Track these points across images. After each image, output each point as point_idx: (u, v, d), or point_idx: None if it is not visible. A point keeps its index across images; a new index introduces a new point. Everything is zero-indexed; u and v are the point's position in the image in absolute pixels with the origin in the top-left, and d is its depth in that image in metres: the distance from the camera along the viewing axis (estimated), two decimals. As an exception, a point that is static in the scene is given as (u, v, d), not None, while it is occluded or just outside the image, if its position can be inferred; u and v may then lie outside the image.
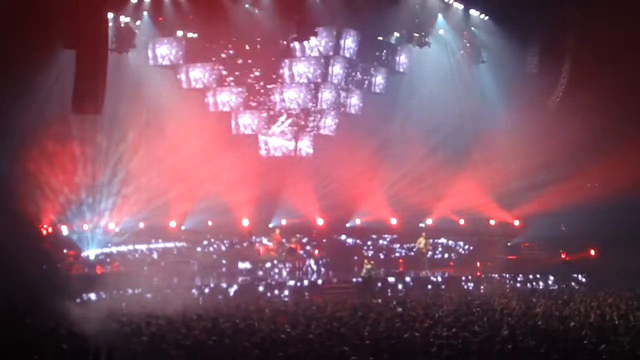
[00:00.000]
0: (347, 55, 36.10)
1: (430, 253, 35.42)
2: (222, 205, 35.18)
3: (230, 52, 36.08)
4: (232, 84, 36.75)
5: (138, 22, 34.50)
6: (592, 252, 34.67)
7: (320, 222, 37.22)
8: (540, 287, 31.99)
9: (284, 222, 37.05)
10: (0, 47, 28.88)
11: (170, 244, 36.16)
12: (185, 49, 35.99)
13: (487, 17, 36.83)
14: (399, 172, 35.98)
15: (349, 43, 35.90)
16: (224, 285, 30.41)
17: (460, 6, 36.46)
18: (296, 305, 23.99)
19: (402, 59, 37.88)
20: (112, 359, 15.29)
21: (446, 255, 38.26)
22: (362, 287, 30.77)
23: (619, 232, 32.43)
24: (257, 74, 36.40)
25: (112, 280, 28.81)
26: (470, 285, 31.84)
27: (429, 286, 31.36)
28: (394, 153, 37.05)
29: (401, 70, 38.11)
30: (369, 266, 31.39)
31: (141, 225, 35.96)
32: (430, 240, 35.18)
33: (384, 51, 37.56)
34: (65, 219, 33.28)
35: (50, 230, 32.97)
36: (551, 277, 32.92)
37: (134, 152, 34.00)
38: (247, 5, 34.08)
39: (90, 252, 33.05)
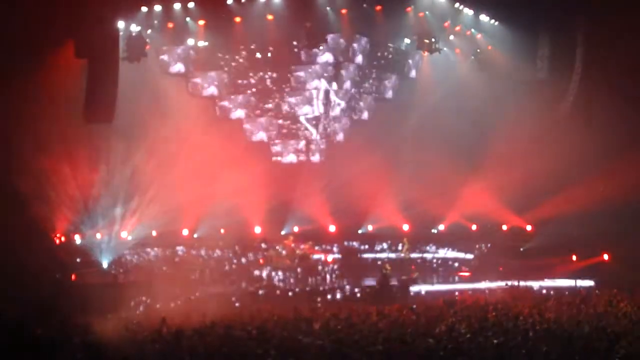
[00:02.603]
0: (358, 61, 36.16)
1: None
2: (234, 213, 35.20)
3: (241, 59, 36.12)
4: (243, 91, 36.81)
5: (149, 31, 34.57)
6: (606, 256, 34.55)
7: (332, 228, 37.21)
8: (553, 292, 31.93)
9: (296, 229, 37.05)
10: (12, 57, 29.08)
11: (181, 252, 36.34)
12: (196, 57, 36.06)
13: (497, 23, 36.76)
14: (410, 178, 35.90)
15: (359, 50, 35.96)
16: (238, 293, 30.50)
17: (471, 12, 36.40)
18: (310, 312, 23.99)
19: (412, 65, 37.91)
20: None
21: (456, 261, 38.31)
22: (377, 293, 30.82)
23: (631, 236, 32.34)
24: (268, 81, 36.45)
25: (126, 289, 28.89)
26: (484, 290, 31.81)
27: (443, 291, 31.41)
28: (405, 159, 36.99)
29: (411, 76, 38.13)
30: (385, 271, 31.56)
31: (154, 233, 36.04)
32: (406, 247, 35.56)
33: (394, 57, 37.58)
34: (79, 227, 33.36)
35: (63, 239, 33.05)
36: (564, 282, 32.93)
37: (145, 160, 34.02)
38: (257, 13, 34.08)
39: (104, 261, 33.13)
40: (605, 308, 22.96)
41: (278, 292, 31.61)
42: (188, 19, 34.41)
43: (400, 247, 35.99)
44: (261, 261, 35.40)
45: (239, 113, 37.25)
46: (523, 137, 35.62)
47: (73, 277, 30.89)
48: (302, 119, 36.92)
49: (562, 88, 36.18)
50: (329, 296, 31.20)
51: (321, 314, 23.53)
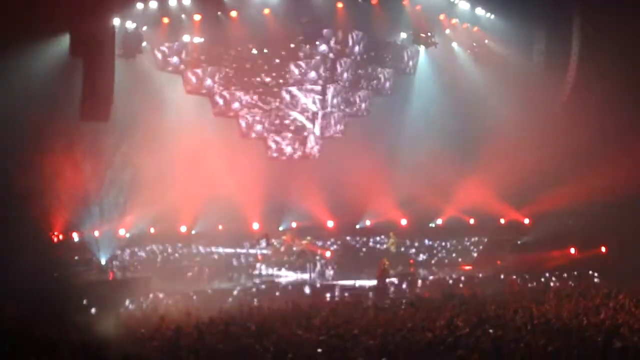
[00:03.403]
0: (354, 56, 36.16)
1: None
2: (232, 209, 35.21)
3: (237, 55, 36.09)
4: (240, 87, 36.78)
5: (145, 28, 34.51)
6: (603, 249, 34.62)
7: (330, 224, 37.26)
8: (551, 284, 31.98)
9: (294, 224, 37.08)
10: (6, 55, 29.01)
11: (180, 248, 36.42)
12: (192, 52, 35.99)
13: (493, 16, 36.73)
14: (408, 172, 35.92)
15: (356, 44, 35.97)
16: (237, 288, 30.54)
17: (467, 5, 36.34)
18: (308, 308, 24.01)
19: (409, 59, 37.91)
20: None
21: (454, 255, 38.40)
22: (375, 287, 30.90)
23: (630, 228, 32.36)
24: (264, 76, 36.43)
25: (124, 287, 28.90)
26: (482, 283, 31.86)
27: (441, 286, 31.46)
28: (403, 153, 37.02)
29: (408, 70, 38.13)
30: (383, 266, 31.66)
31: (152, 230, 36.03)
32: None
33: (391, 52, 37.59)
34: (76, 225, 33.31)
35: (61, 237, 33.02)
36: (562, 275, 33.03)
37: (143, 157, 33.99)
38: (253, 8, 34.04)
39: (102, 259, 33.13)
40: (603, 300, 22.98)
41: (277, 289, 31.59)
42: (183, 14, 34.30)
43: (387, 242, 35.97)
44: (259, 257, 35.46)
45: (235, 108, 37.21)
46: (520, 130, 35.64)
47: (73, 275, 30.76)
48: (299, 114, 36.91)
49: (559, 81, 36.21)
50: (327, 291, 31.21)
51: (320, 309, 23.56)
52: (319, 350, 16.39)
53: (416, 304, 24.04)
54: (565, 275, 32.98)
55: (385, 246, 36.00)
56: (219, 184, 34.74)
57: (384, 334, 17.67)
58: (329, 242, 37.59)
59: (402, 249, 37.49)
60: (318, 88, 36.41)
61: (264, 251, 35.72)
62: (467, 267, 36.26)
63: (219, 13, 34.01)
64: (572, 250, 35.32)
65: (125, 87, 31.79)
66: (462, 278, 33.30)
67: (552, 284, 32.20)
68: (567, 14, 35.18)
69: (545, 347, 15.76)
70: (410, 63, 38.07)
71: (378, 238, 38.41)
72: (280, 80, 36.43)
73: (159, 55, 35.78)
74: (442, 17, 36.41)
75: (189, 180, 34.85)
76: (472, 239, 38.74)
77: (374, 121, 37.74)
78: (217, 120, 36.99)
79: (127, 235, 34.92)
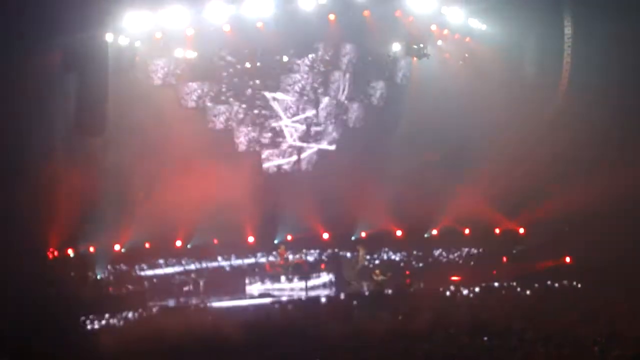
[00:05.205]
0: (346, 68, 36.29)
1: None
2: (227, 222, 35.16)
3: (230, 69, 36.19)
4: (233, 100, 36.83)
5: (138, 43, 34.54)
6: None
7: (325, 236, 37.21)
8: (547, 293, 31.99)
9: (289, 237, 37.05)
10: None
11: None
12: (185, 67, 36.04)
13: (485, 26, 36.81)
14: (402, 183, 35.94)
15: (348, 56, 36.13)
16: (233, 302, 30.50)
17: (459, 16, 36.41)
18: (304, 321, 23.99)
19: (401, 71, 38.01)
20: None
21: (450, 265, 38.36)
22: (370, 300, 30.85)
23: (626, 236, 32.39)
24: (257, 90, 36.54)
25: (120, 302, 28.85)
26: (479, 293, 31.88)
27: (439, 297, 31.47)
28: (396, 164, 37.03)
29: (401, 82, 38.21)
30: (379, 278, 31.61)
31: (147, 245, 35.94)
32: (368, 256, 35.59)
33: (383, 63, 37.69)
34: (72, 241, 33.24)
35: (56, 253, 32.95)
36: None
37: (137, 171, 33.97)
38: (246, 22, 34.11)
39: (98, 274, 33.06)
40: (600, 309, 23.03)
41: (274, 301, 31.55)
42: (176, 29, 34.33)
43: (356, 255, 35.89)
44: (256, 270, 35.44)
45: (229, 123, 37.24)
46: (514, 139, 35.72)
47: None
48: (292, 127, 36.98)
49: (551, 91, 36.31)
50: (323, 303, 31.18)
51: (315, 322, 23.55)
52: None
53: (413, 315, 24.02)
54: (561, 283, 32.99)
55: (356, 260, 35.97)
56: (213, 197, 34.68)
57: (381, 345, 17.69)
58: (324, 254, 37.51)
59: (398, 258, 37.44)
60: (311, 101, 36.52)
61: (261, 261, 35.72)
62: (463, 277, 36.21)
63: (212, 27, 34.07)
64: (568, 259, 35.34)
65: (119, 102, 31.81)
66: (459, 288, 33.28)
67: (548, 292, 32.21)
68: (559, 21, 35.32)
69: (543, 355, 15.79)
70: (403, 74, 38.17)
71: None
72: (273, 94, 36.52)
73: (152, 70, 35.80)
74: (434, 28, 36.49)
75: (183, 194, 34.80)
76: (468, 249, 38.70)
77: (366, 133, 37.80)
78: (210, 134, 36.96)
79: (123, 250, 34.85)
